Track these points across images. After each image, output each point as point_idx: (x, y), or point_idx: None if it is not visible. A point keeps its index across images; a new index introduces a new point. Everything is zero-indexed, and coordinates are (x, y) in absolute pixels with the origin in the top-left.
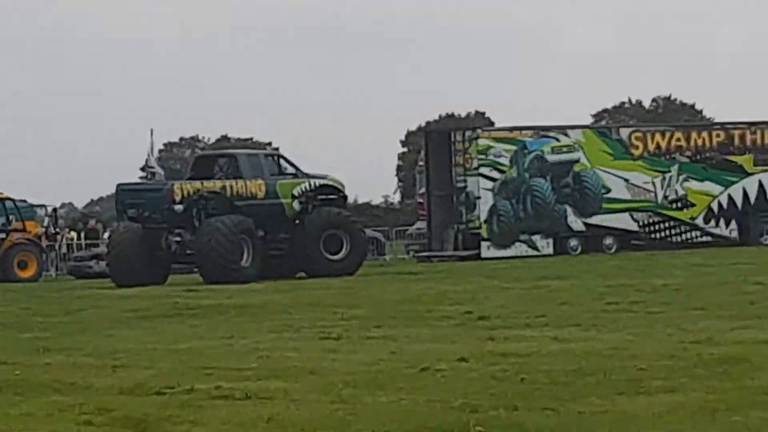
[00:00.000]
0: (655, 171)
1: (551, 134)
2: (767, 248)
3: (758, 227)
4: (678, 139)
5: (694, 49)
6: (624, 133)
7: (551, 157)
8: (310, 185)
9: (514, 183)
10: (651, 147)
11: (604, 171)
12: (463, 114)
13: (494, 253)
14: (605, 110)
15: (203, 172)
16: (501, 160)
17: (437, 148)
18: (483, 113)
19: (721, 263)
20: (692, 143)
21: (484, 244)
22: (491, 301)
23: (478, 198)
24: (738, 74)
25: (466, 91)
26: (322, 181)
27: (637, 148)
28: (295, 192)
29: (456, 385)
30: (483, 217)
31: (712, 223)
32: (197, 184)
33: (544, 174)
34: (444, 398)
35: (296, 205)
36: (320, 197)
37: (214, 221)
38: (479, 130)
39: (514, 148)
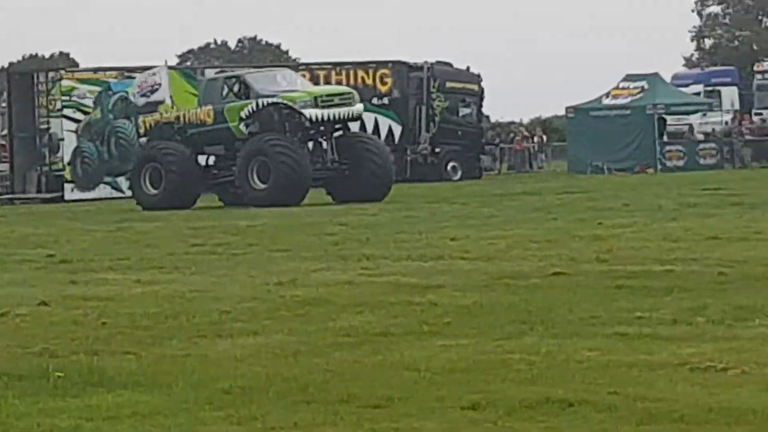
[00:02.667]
0: None
1: (136, 75)
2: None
3: None
4: None
5: None
6: (209, 74)
7: (136, 99)
8: (256, 105)
9: (98, 125)
10: None
11: None
12: (47, 55)
13: (78, 195)
14: (191, 51)
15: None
16: (85, 101)
17: (20, 90)
18: (68, 54)
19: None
20: None
21: (67, 186)
22: (74, 245)
23: (62, 140)
24: (323, 15)
25: (48, 32)
26: (271, 100)
27: None
28: (242, 114)
29: (36, 330)
30: (66, 159)
31: None
32: (157, 115)
33: (129, 115)
34: (24, 343)
35: (243, 128)
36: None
37: None
38: (62, 71)
39: (98, 89)
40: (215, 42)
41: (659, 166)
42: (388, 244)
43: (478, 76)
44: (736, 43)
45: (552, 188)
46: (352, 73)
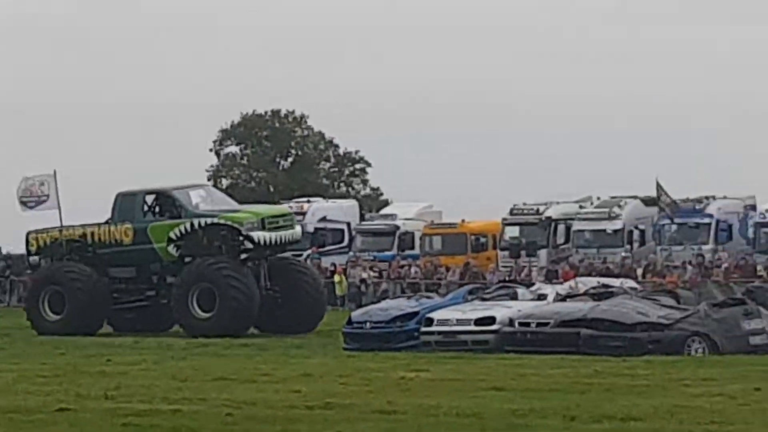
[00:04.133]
0: None
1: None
2: None
3: None
4: None
5: None
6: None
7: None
8: (191, 225)
9: None
10: None
11: None
12: None
13: None
14: None
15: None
16: None
17: None
18: None
19: None
20: None
21: None
22: None
23: None
24: None
25: None
26: (211, 220)
27: None
28: (172, 234)
29: None
30: None
31: None
32: (55, 232)
33: None
34: None
35: (172, 250)
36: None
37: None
38: None
39: None
40: None
41: None
42: None
43: None
44: (253, 183)
45: None
46: None
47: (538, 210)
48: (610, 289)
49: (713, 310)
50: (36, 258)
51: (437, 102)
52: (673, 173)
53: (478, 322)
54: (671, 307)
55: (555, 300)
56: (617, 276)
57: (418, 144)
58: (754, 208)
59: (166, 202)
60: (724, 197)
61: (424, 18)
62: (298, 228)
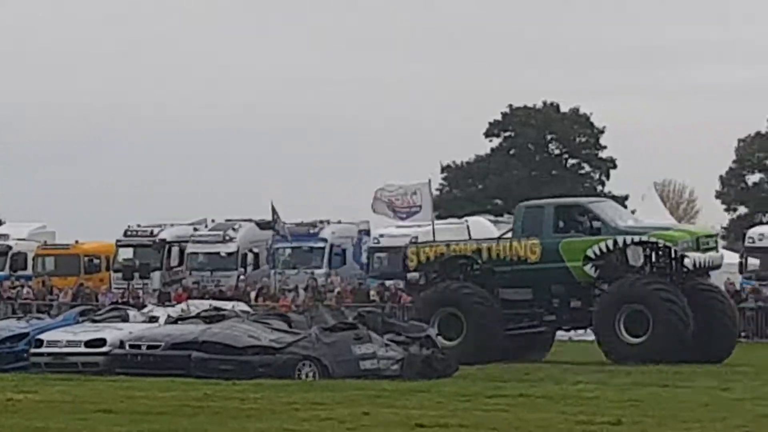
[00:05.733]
0: None
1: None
2: None
3: None
4: None
5: None
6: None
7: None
8: (614, 243)
9: None
10: None
11: None
12: None
13: None
14: None
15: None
16: None
17: None
18: None
19: None
20: None
21: None
22: None
23: None
24: None
25: None
26: (638, 238)
27: None
28: (590, 252)
29: None
30: None
31: None
32: (441, 246)
33: None
34: None
35: (590, 269)
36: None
37: None
38: None
39: None
40: None
41: None
42: None
43: None
44: None
45: None
46: None
47: (152, 232)
48: (221, 312)
49: (324, 334)
50: (415, 275)
51: (34, 126)
52: (288, 197)
53: (89, 343)
54: (283, 330)
55: (166, 322)
56: (230, 299)
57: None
58: (368, 233)
59: (580, 216)
60: (339, 222)
61: None
62: (721, 251)
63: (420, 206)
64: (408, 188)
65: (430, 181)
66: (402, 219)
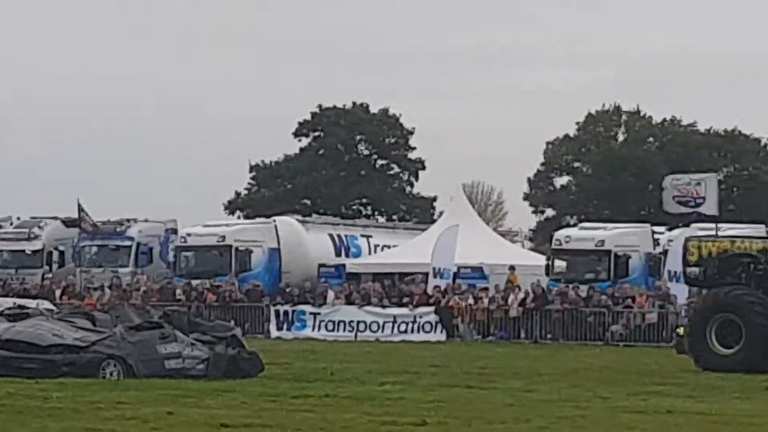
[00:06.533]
0: None
1: None
2: None
3: None
4: None
5: None
6: None
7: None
8: None
9: None
10: None
11: None
12: None
13: None
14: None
15: None
16: None
17: None
18: None
19: None
20: None
21: None
22: None
23: None
24: None
25: None
26: None
27: None
28: None
29: None
30: None
31: None
32: (725, 242)
33: None
34: None
35: None
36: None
37: None
38: None
39: None
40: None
41: None
42: None
43: None
44: None
45: None
46: None
47: None
48: (26, 311)
49: (129, 333)
50: (695, 270)
51: None
52: (96, 195)
53: None
54: (87, 329)
55: None
56: (35, 297)
57: None
58: (175, 231)
59: None
60: (146, 220)
61: None
62: None
63: (704, 198)
64: (694, 179)
65: (717, 173)
66: (691, 208)
